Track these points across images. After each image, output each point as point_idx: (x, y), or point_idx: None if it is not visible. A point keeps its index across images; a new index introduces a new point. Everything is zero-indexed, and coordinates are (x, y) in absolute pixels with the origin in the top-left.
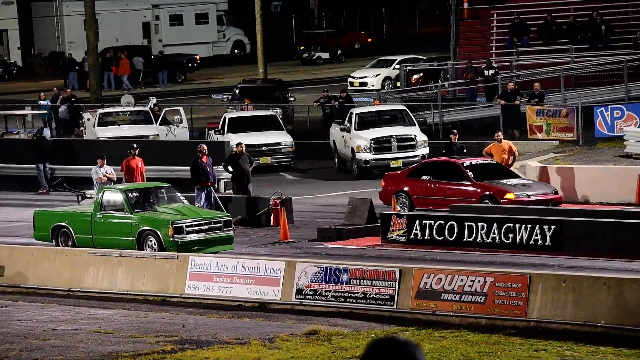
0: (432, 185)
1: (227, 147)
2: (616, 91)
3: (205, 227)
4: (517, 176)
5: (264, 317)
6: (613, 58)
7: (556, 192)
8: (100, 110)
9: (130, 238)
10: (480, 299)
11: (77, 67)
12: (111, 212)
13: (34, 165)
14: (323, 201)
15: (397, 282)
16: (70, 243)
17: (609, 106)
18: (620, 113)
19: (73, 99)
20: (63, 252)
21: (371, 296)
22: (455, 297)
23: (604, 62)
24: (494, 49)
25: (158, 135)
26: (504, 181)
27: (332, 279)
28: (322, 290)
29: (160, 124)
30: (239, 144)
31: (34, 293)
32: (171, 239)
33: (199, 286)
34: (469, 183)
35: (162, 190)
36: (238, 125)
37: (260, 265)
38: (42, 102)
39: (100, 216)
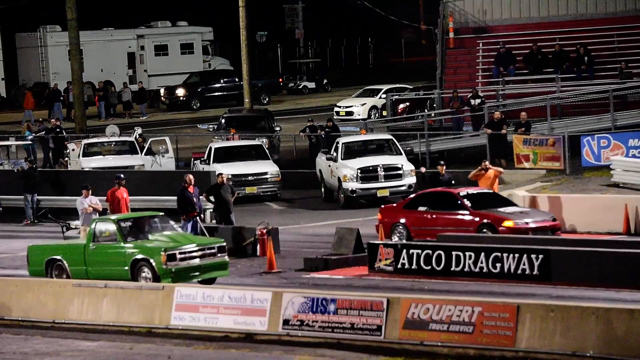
0: (429, 216)
1: (213, 177)
2: (602, 120)
3: (199, 253)
4: (513, 204)
5: (250, 348)
6: (599, 87)
7: (554, 219)
8: (85, 141)
9: (125, 268)
10: (469, 329)
11: (61, 98)
12: (104, 242)
13: (22, 196)
14: (310, 231)
15: (384, 312)
16: (64, 276)
17: (596, 135)
18: (606, 142)
19: (58, 129)
20: (47, 283)
21: (359, 326)
22: (443, 327)
23: (590, 91)
24: (480, 78)
25: (143, 165)
26: (502, 209)
27: (319, 309)
28: (309, 320)
29: (145, 154)
30: (219, 175)
31: (18, 325)
32: (164, 266)
33: (185, 317)
34: (467, 212)
35: (155, 219)
36: (224, 155)
37: (246, 295)
38: (27, 134)
39: (94, 247)
